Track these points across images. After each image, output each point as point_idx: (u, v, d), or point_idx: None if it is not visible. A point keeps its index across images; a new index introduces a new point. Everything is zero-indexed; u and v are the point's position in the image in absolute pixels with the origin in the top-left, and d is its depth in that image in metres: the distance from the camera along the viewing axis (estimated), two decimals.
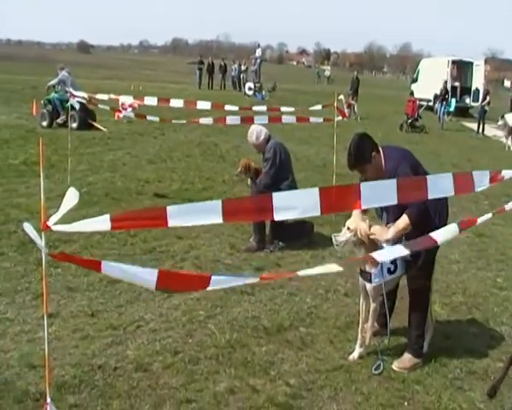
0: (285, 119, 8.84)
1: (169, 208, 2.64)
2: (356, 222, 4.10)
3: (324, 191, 2.82)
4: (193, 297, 5.20)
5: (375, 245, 4.03)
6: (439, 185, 3.12)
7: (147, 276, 2.70)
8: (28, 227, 2.64)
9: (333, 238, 4.17)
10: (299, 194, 3.23)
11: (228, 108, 9.43)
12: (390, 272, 4.17)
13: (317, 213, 2.80)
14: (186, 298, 5.17)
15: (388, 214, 4.22)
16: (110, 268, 2.71)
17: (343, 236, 4.14)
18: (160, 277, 2.68)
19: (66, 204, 2.71)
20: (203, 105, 9.24)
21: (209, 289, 2.74)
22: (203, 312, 4.99)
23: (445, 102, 24.14)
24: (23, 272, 5.61)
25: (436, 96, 25.41)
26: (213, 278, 2.72)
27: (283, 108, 9.72)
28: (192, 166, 11.27)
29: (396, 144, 5.09)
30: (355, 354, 4.35)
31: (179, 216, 2.66)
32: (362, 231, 4.07)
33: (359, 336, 4.39)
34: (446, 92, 24.71)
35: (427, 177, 3.14)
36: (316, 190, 2.80)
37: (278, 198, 2.75)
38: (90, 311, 4.90)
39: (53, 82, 15.49)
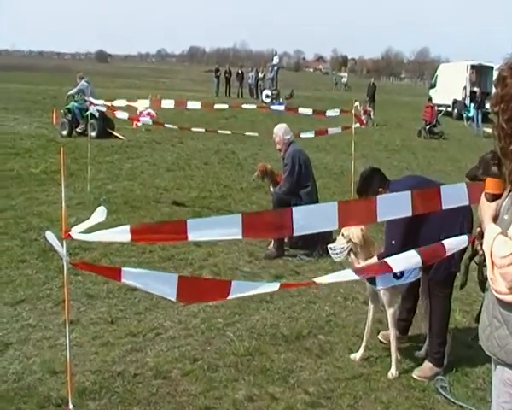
0: (303, 134, 8.90)
1: (189, 222, 2.66)
2: (349, 229, 4.19)
3: (342, 206, 2.83)
4: (211, 305, 5.21)
5: (369, 252, 4.17)
6: (453, 195, 3.11)
7: (167, 288, 2.70)
8: (50, 236, 2.69)
9: (329, 249, 4.29)
10: (318, 209, 3.24)
11: (246, 106, 9.48)
12: (396, 277, 4.14)
13: (335, 227, 2.83)
14: (205, 305, 5.18)
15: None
16: (130, 276, 2.73)
17: (338, 243, 4.26)
18: (180, 284, 2.70)
19: (92, 219, 2.75)
20: (221, 106, 9.31)
21: (230, 298, 2.75)
22: (222, 319, 5.00)
23: (479, 109, 23.01)
24: (44, 279, 5.69)
25: (455, 102, 25.07)
26: (234, 284, 2.73)
27: (301, 110, 9.76)
28: (210, 173, 11.33)
29: (412, 172, 5.08)
30: (357, 355, 4.36)
31: (199, 230, 2.68)
32: (355, 236, 4.18)
33: (364, 338, 4.40)
34: (481, 98, 23.74)
35: (441, 187, 3.13)
36: (334, 205, 2.81)
37: (298, 213, 2.76)
38: (109, 318, 4.94)
39: (72, 91, 15.70)
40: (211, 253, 6.68)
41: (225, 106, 9.28)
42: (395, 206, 3.04)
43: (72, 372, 3.41)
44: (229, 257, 6.59)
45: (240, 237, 2.70)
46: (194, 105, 9.23)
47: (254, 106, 9.67)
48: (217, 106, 9.25)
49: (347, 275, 2.98)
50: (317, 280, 3.04)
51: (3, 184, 9.56)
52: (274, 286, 3.27)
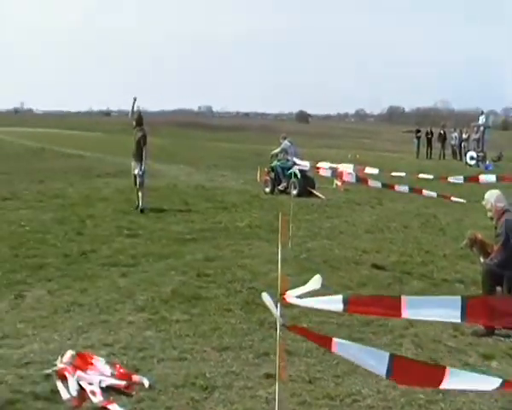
0: None
1: (406, 299, 2.59)
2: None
3: None
4: None
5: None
6: None
7: (377, 363, 2.65)
8: (266, 297, 2.82)
9: None
10: None
11: (452, 179, 9.12)
12: None
13: None
14: None
15: None
16: (342, 348, 2.73)
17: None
18: (391, 364, 2.61)
19: (308, 286, 2.85)
20: (426, 176, 9.08)
21: (444, 387, 2.58)
22: (423, 395, 4.71)
23: None
24: (247, 330, 5.96)
25: None
26: (449, 372, 2.55)
27: None
28: (410, 237, 10.99)
29: None
30: None
31: (415, 308, 2.59)
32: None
33: None
34: None
35: None
36: None
37: None
38: (307, 377, 4.97)
39: (276, 151, 16.63)
40: (412, 322, 6.40)
41: (430, 176, 9.03)
42: None
43: None
44: (431, 328, 6.24)
45: (459, 320, 2.53)
46: (399, 173, 9.16)
47: (461, 180, 9.23)
48: (421, 175, 9.03)
49: None
50: None
51: (213, 235, 10.39)
52: (495, 382, 2.82)
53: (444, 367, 2.61)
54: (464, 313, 2.50)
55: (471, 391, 2.60)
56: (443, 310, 2.55)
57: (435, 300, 2.67)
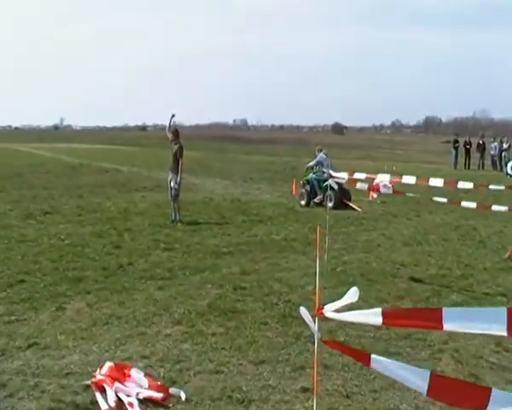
0: None
1: (445, 311, 2.54)
2: None
3: None
4: None
5: None
6: None
7: (417, 380, 2.60)
8: (304, 312, 2.82)
9: None
10: None
11: (493, 187, 8.95)
12: None
13: None
14: None
15: None
16: (379, 364, 2.70)
17: None
18: (432, 382, 2.56)
19: (345, 299, 2.83)
20: (464, 185, 8.91)
21: None
22: None
23: None
24: (283, 344, 5.93)
25: None
26: (494, 393, 2.46)
27: None
28: (449, 250, 10.77)
29: None
30: None
31: (456, 321, 2.53)
32: None
33: None
34: None
35: None
36: None
37: None
38: (344, 392, 4.92)
39: (311, 163, 16.58)
40: (452, 336, 6.26)
41: (470, 185, 8.82)
42: None
43: None
44: (472, 343, 6.09)
45: (505, 334, 2.44)
46: (436, 182, 8.99)
47: (502, 187, 9.05)
48: (460, 184, 8.83)
49: None
50: None
51: (249, 248, 10.41)
52: None
53: (489, 389, 2.52)
54: (509, 326, 2.42)
55: None
56: (485, 323, 2.48)
57: (477, 311, 2.60)
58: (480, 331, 2.53)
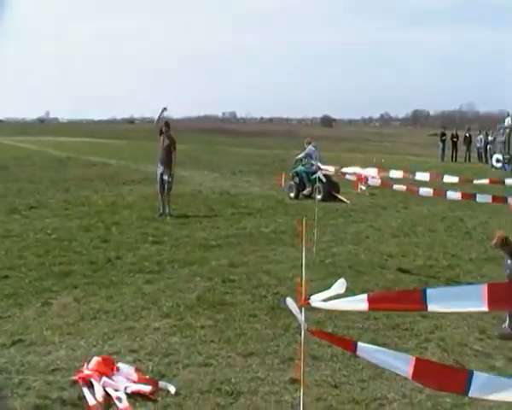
0: None
1: (428, 291, 2.57)
2: None
3: None
4: None
5: None
6: None
7: (400, 365, 2.64)
8: (290, 302, 2.83)
9: None
10: None
11: (477, 181, 9.02)
12: None
13: None
14: None
15: None
16: (365, 352, 2.72)
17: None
18: (415, 366, 2.59)
19: (332, 290, 2.85)
20: (449, 179, 8.96)
21: (469, 395, 2.53)
22: (450, 399, 4.65)
23: None
24: (272, 336, 5.96)
25: None
26: (474, 377, 2.50)
27: None
28: (436, 241, 10.86)
29: None
30: None
31: (438, 301, 2.56)
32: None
33: None
34: None
35: None
36: None
37: None
38: (333, 382, 4.96)
39: (300, 156, 16.58)
40: (438, 325, 6.33)
41: (455, 179, 8.90)
42: None
43: None
44: (457, 332, 6.17)
45: (484, 308, 2.47)
46: (422, 176, 9.05)
47: (487, 180, 9.16)
48: (446, 178, 8.90)
49: None
50: None
51: (238, 241, 10.41)
52: None
53: (466, 372, 2.57)
54: (488, 301, 2.45)
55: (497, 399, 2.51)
56: (466, 300, 2.51)
57: (458, 290, 2.64)
58: (462, 309, 2.56)
